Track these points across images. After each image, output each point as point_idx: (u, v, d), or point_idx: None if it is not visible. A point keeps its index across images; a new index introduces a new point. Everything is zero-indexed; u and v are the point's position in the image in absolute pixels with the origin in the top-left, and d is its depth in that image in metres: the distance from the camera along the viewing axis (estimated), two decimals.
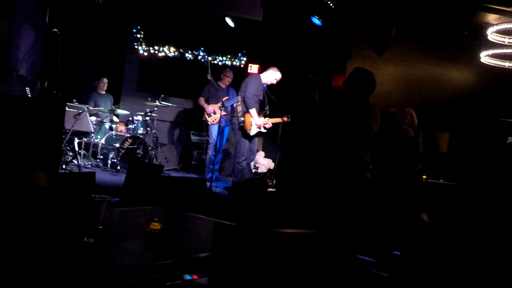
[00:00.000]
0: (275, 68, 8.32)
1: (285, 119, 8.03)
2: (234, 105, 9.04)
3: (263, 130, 8.31)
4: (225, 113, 9.34)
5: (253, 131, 8.16)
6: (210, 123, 9.49)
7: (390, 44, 8.34)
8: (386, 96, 10.95)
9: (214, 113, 9.36)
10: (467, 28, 9.65)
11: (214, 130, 9.47)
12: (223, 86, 9.71)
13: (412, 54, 11.09)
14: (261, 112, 8.29)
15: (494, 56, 9.74)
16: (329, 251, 2.26)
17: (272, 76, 8.27)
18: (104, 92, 10.25)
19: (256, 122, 8.10)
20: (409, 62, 11.18)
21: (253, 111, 8.05)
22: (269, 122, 8.26)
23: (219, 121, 8.93)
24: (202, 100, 9.58)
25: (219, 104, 8.84)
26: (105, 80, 10.26)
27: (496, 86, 10.68)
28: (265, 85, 8.29)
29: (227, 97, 9.47)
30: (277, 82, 8.36)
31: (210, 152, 9.43)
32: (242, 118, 8.13)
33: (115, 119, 9.87)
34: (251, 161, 8.66)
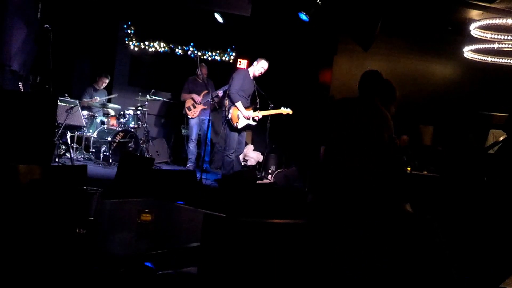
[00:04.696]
0: (261, 59, 8.34)
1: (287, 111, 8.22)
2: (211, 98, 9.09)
3: (252, 123, 8.33)
4: (205, 107, 9.43)
5: (240, 124, 8.19)
6: (190, 117, 9.56)
7: (376, 39, 8.37)
8: None
9: (194, 106, 9.45)
10: (451, 24, 9.69)
11: (194, 125, 9.57)
12: (200, 81, 9.72)
13: (397, 49, 11.13)
14: (250, 105, 8.31)
15: (476, 51, 9.79)
16: (316, 241, 2.28)
17: (259, 66, 8.29)
18: (100, 89, 10.23)
19: (244, 114, 8.12)
20: (394, 57, 11.21)
21: (238, 104, 8.10)
22: (259, 114, 8.28)
23: (199, 115, 9.06)
24: (185, 95, 9.67)
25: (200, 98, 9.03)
26: (107, 80, 10.24)
27: (478, 80, 10.74)
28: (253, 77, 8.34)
29: (206, 91, 9.50)
30: (265, 72, 8.37)
31: (191, 145, 9.52)
32: (229, 112, 8.17)
33: (110, 111, 9.87)
34: (240, 154, 8.69)
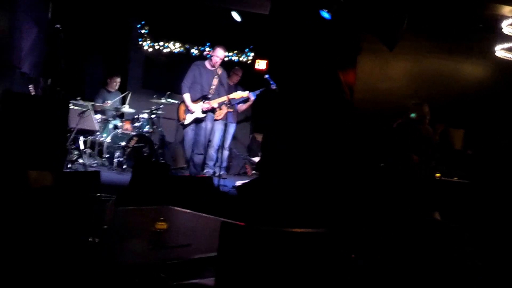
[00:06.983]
0: (217, 46, 8.54)
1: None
2: (242, 105, 9.16)
3: (201, 115, 8.44)
4: (231, 110, 9.36)
5: (187, 119, 8.36)
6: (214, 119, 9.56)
7: (401, 38, 8.33)
8: (397, 91, 10.95)
9: (220, 108, 9.42)
10: (481, 21, 9.62)
11: (218, 128, 9.52)
12: (231, 84, 9.71)
13: (424, 48, 11.05)
14: (200, 98, 8.45)
15: (509, 49, 9.70)
16: (336, 250, 2.29)
17: (214, 54, 8.49)
18: (114, 90, 10.27)
19: (188, 106, 8.35)
20: (421, 56, 11.13)
21: (185, 96, 8.37)
22: (204, 105, 8.43)
23: (223, 118, 9.07)
24: None
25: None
26: (118, 79, 10.25)
27: (511, 80, 10.63)
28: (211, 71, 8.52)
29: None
30: (223, 58, 8.61)
31: (212, 150, 9.49)
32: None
33: (126, 110, 9.95)
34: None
